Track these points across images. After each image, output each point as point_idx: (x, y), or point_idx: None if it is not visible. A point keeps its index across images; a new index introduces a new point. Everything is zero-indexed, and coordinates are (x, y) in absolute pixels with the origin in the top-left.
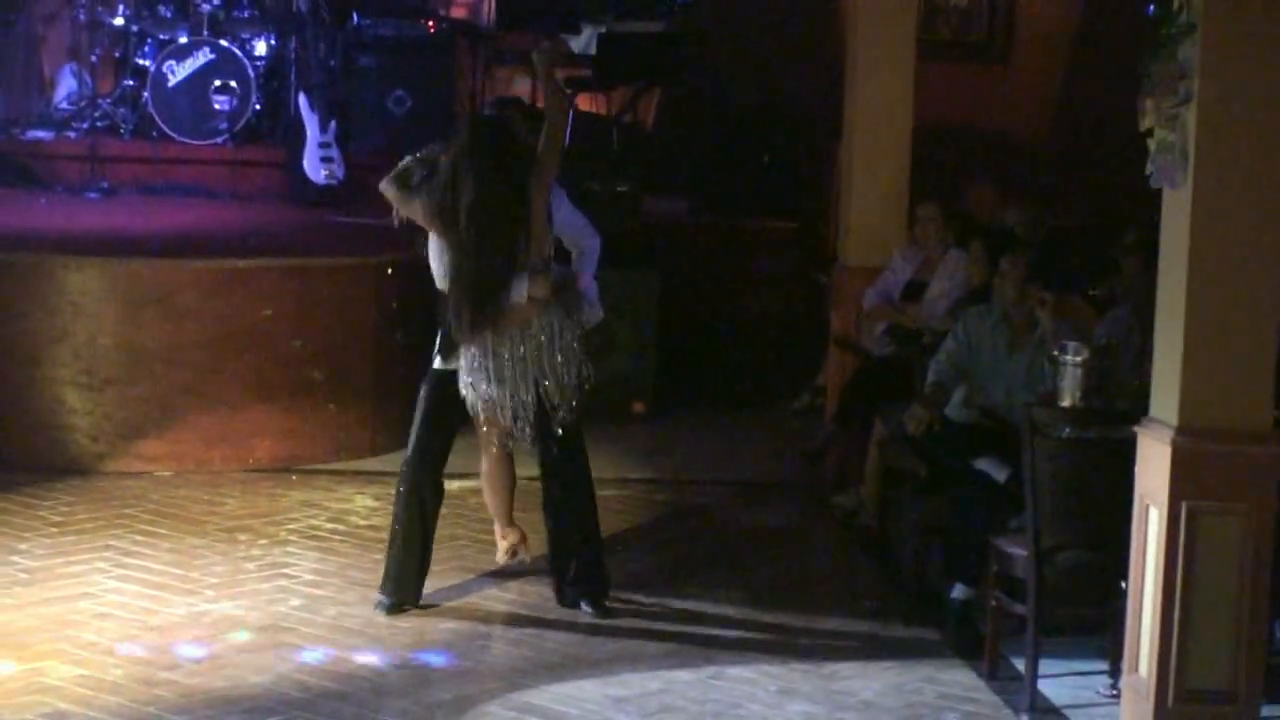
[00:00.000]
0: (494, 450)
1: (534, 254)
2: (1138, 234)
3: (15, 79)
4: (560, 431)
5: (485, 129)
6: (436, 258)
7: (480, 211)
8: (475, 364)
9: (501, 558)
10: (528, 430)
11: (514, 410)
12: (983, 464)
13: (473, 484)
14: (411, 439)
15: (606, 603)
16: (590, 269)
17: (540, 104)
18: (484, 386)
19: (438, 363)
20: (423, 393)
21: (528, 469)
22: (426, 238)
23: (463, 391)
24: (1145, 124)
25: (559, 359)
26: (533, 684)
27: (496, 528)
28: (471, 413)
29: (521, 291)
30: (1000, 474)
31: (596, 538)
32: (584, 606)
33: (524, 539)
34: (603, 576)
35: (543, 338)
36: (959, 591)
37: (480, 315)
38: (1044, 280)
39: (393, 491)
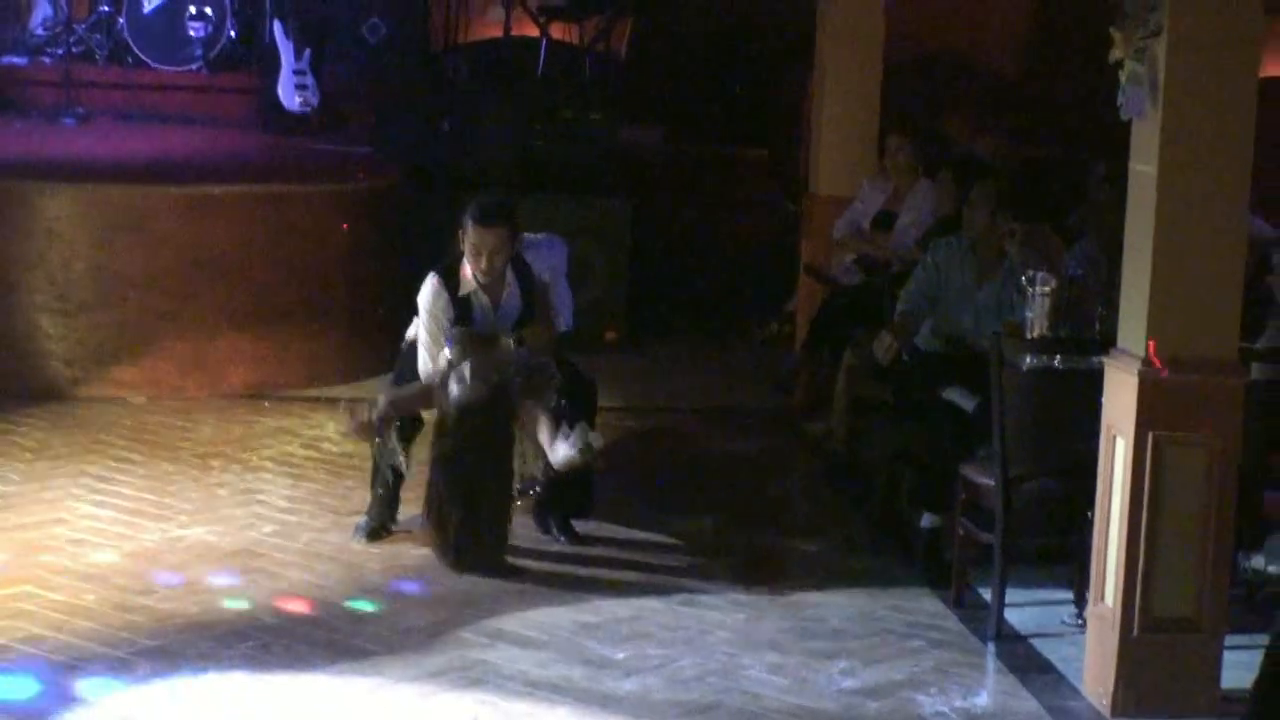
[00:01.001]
0: None
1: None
2: (1107, 166)
3: None
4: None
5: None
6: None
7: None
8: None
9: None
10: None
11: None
12: (951, 393)
13: None
14: (391, 378)
15: (575, 530)
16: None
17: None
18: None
19: (410, 335)
20: (402, 356)
21: None
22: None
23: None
24: (1115, 55)
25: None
26: (505, 611)
27: None
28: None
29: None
30: (968, 403)
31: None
32: (556, 534)
33: None
34: (575, 503)
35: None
36: (927, 520)
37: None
38: (1013, 210)
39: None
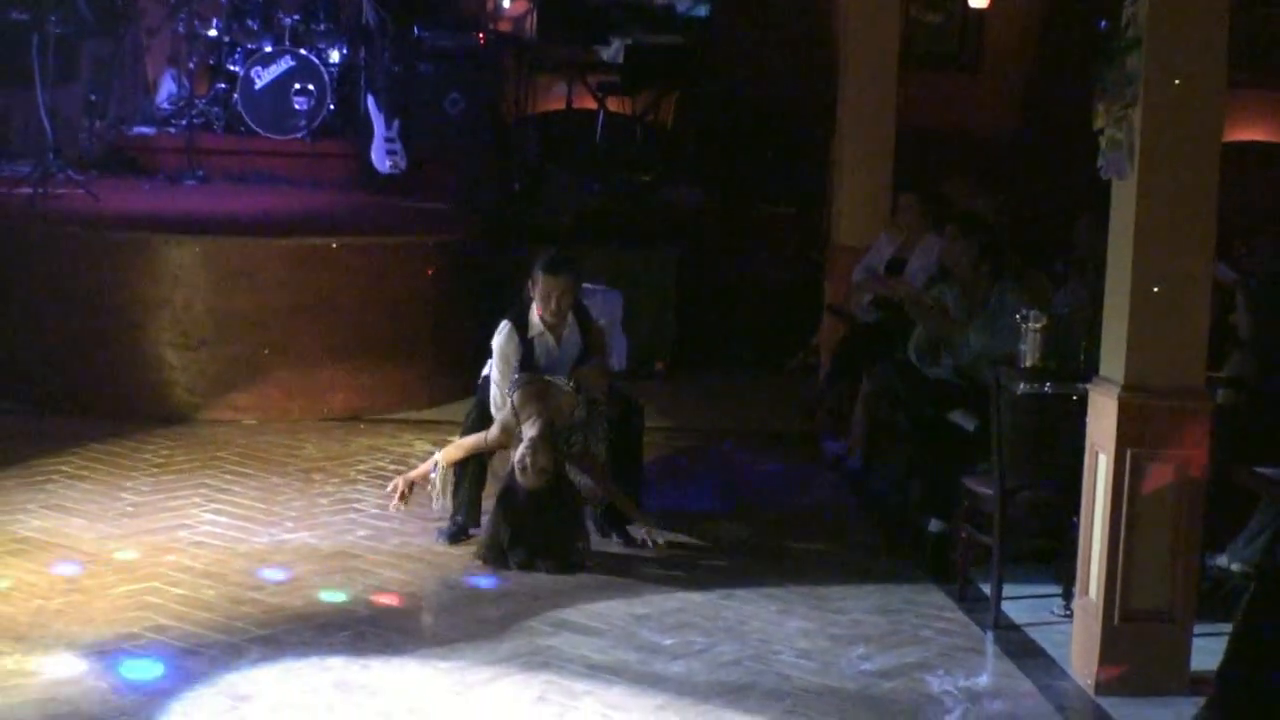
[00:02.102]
0: None
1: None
2: (1090, 218)
3: (124, 82)
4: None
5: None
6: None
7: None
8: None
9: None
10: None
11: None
12: (955, 416)
13: None
14: (473, 411)
15: (632, 534)
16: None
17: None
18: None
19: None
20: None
21: None
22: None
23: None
24: (1098, 124)
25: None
26: (568, 603)
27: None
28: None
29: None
30: (969, 424)
31: (636, 484)
32: (615, 537)
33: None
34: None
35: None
36: (934, 525)
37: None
38: (995, 258)
39: (448, 437)
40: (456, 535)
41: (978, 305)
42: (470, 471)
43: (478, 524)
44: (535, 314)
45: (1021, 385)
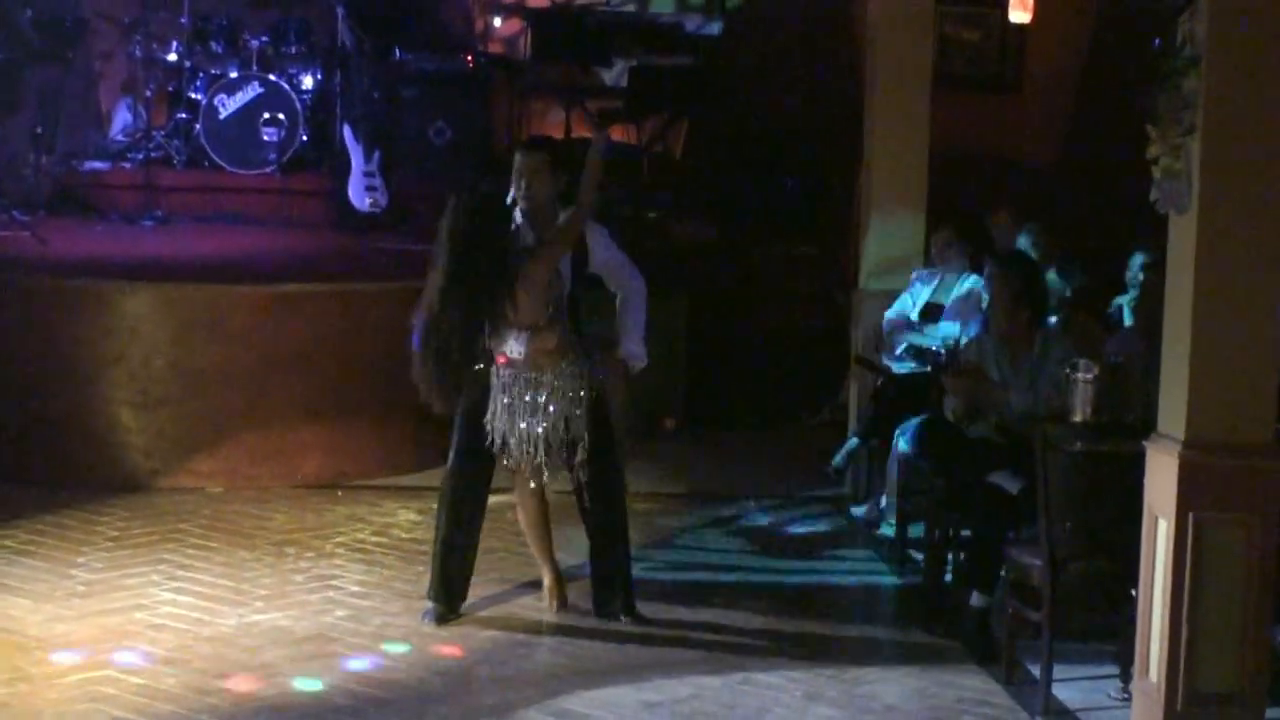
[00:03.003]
0: (525, 485)
1: (533, 314)
2: (1147, 255)
3: (74, 113)
4: (585, 457)
5: (462, 206)
6: None
7: (453, 284)
8: (494, 404)
9: (550, 604)
10: (543, 463)
11: (527, 447)
12: (997, 477)
13: (509, 498)
14: (451, 454)
15: (638, 611)
16: (636, 316)
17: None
18: (500, 423)
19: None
20: (460, 408)
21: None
22: None
23: (486, 428)
24: (1152, 153)
25: (568, 406)
26: (569, 690)
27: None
28: (495, 450)
29: (518, 349)
30: (1014, 486)
31: (626, 551)
32: (622, 617)
33: (560, 587)
34: (630, 587)
35: (557, 382)
36: (976, 599)
37: (441, 380)
38: (1036, 302)
39: (434, 505)
40: (443, 616)
41: (1020, 356)
42: (458, 545)
43: (463, 600)
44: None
45: (1077, 443)
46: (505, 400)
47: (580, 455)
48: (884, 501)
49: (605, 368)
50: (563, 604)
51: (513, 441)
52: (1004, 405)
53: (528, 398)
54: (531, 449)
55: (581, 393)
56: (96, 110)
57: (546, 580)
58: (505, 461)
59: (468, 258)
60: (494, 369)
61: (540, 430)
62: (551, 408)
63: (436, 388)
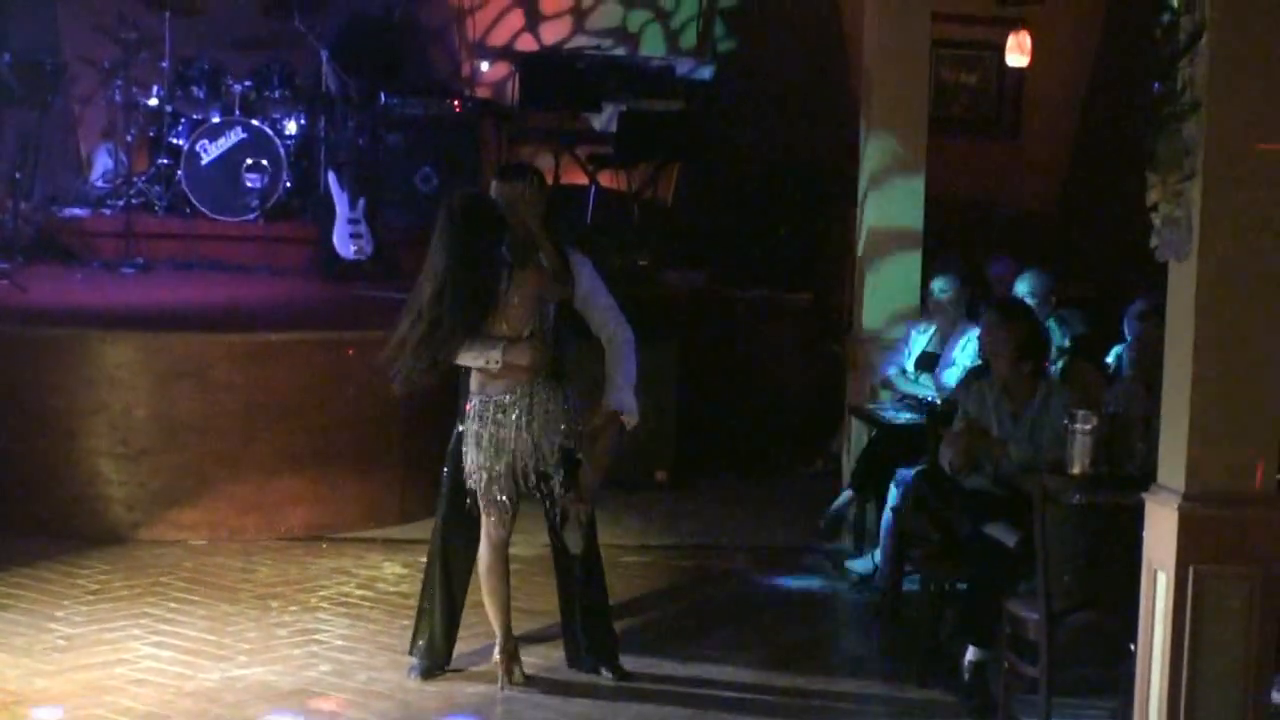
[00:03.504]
0: (490, 533)
1: (515, 325)
2: (1145, 303)
3: (53, 158)
4: (559, 493)
5: (458, 205)
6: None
7: (443, 280)
8: (469, 432)
9: (501, 680)
10: (509, 498)
11: (496, 477)
12: (993, 529)
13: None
14: (440, 506)
15: (621, 665)
16: (627, 367)
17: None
18: (474, 454)
19: (460, 428)
20: (449, 460)
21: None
22: None
23: (463, 462)
24: (1152, 199)
25: (539, 430)
26: None
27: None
28: (468, 485)
29: (495, 357)
30: (1010, 539)
31: (604, 603)
32: (602, 671)
33: (515, 661)
34: (613, 641)
35: (527, 401)
36: (972, 654)
37: (413, 373)
38: (1038, 354)
39: (421, 559)
40: (429, 671)
41: (1021, 407)
42: (445, 599)
43: (447, 657)
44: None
45: (1075, 496)
46: (476, 428)
47: (554, 489)
48: (878, 555)
49: (590, 416)
50: (510, 675)
51: (481, 476)
52: (1002, 458)
53: (499, 419)
54: (500, 479)
55: (560, 424)
56: (76, 155)
57: (500, 646)
58: (475, 500)
59: (468, 257)
60: (468, 404)
61: (509, 454)
62: (523, 430)
63: (411, 368)
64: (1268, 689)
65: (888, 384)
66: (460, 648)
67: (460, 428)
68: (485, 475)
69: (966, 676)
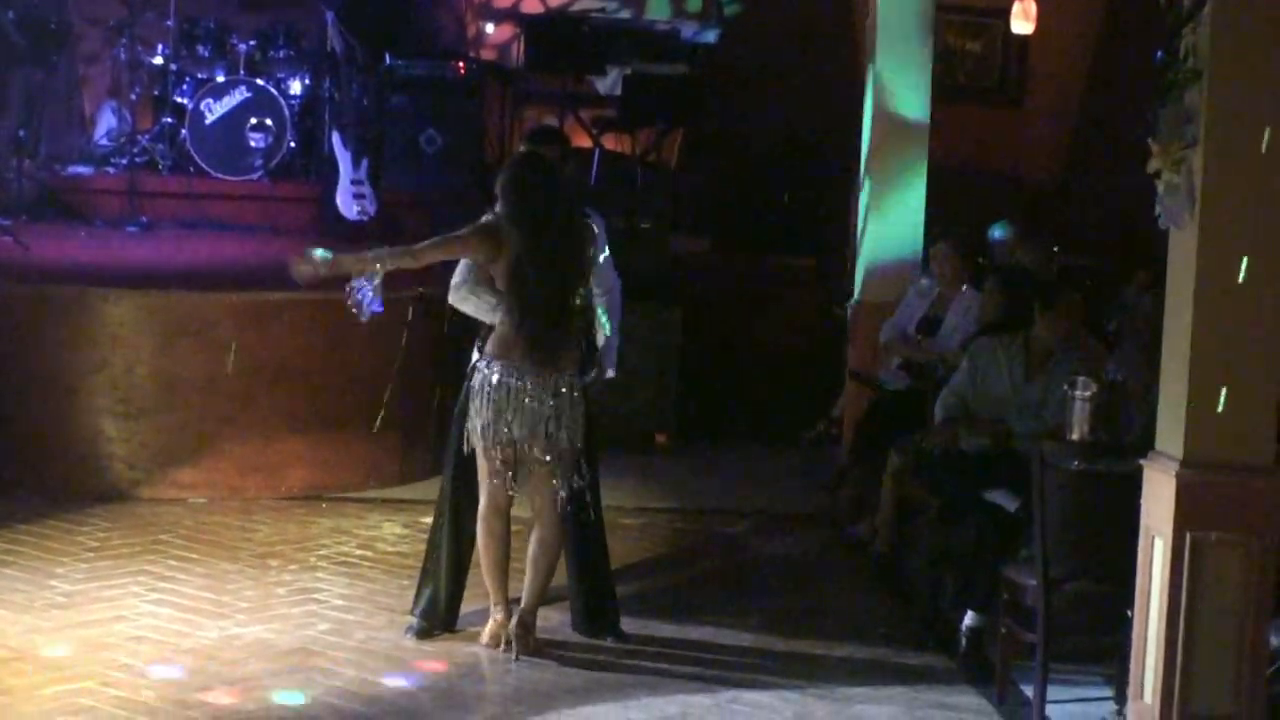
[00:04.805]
0: (493, 497)
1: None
2: (1144, 274)
3: (57, 116)
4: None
5: (530, 165)
6: (474, 290)
7: (534, 249)
8: (484, 391)
9: (484, 639)
10: (503, 463)
11: (505, 440)
12: (994, 495)
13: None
14: (448, 464)
15: (622, 630)
16: (615, 319)
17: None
18: (477, 407)
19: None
20: (457, 418)
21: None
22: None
23: (469, 421)
24: (1154, 166)
25: (563, 401)
26: (555, 707)
27: (491, 602)
28: (469, 443)
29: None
30: (1011, 504)
31: (606, 567)
32: (605, 636)
33: (506, 626)
34: (614, 605)
35: (559, 376)
36: (970, 619)
37: (543, 339)
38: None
39: (421, 519)
40: (427, 631)
41: (1039, 363)
42: (451, 560)
43: (452, 621)
44: None
45: (1074, 462)
46: (491, 391)
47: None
48: (877, 519)
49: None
50: (498, 645)
51: (489, 436)
52: (1001, 431)
53: (518, 383)
54: (515, 439)
55: (575, 392)
56: (80, 114)
57: (495, 617)
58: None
59: (547, 222)
60: (480, 362)
61: (529, 421)
62: (549, 399)
63: (537, 342)
64: (1264, 655)
65: (889, 348)
66: (465, 607)
67: (469, 382)
68: (490, 430)
69: (964, 642)
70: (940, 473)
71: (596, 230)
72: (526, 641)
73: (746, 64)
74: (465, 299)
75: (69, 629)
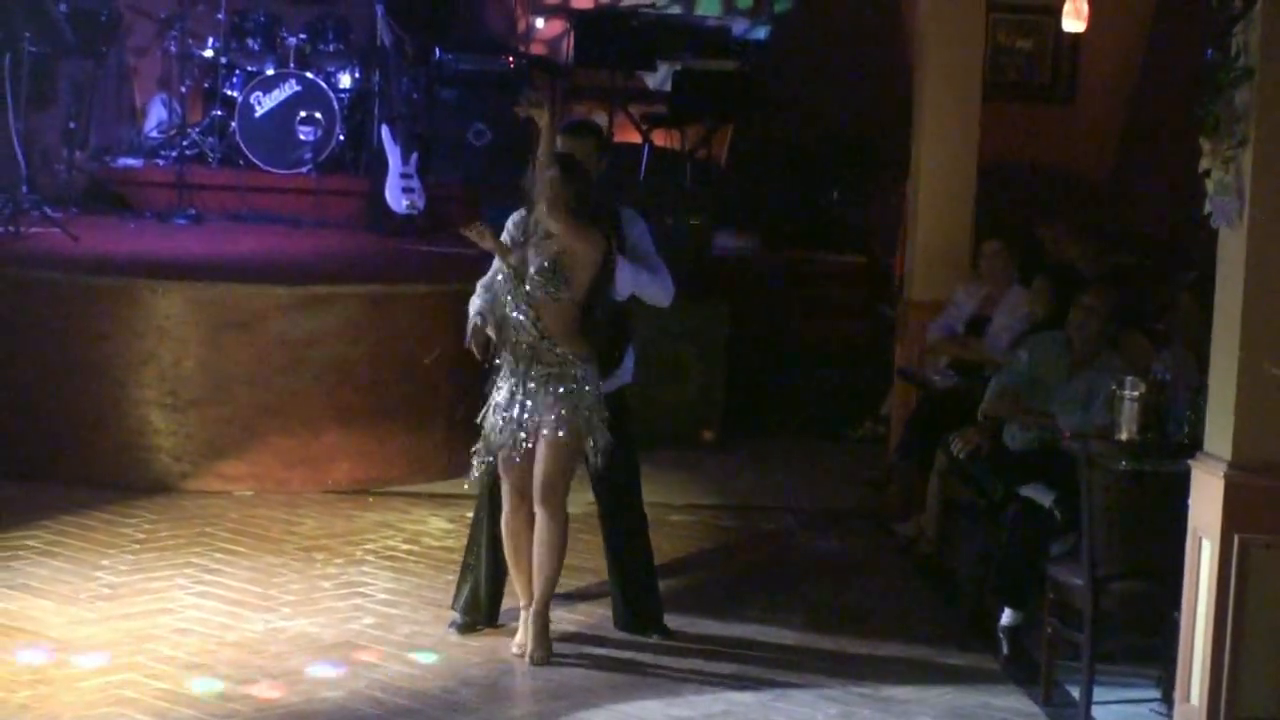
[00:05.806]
0: (514, 493)
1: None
2: (1197, 272)
3: (107, 108)
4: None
5: (569, 168)
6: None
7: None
8: (508, 388)
9: (514, 645)
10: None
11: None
12: (1029, 489)
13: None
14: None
15: (666, 625)
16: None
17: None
18: (506, 409)
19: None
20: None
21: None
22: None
23: (490, 419)
24: (1204, 165)
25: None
26: (598, 704)
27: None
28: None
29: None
30: (1046, 498)
31: (650, 563)
32: (649, 632)
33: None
34: (657, 602)
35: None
36: (1008, 617)
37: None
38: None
39: (466, 514)
40: (470, 626)
41: (1083, 360)
42: (487, 553)
43: (494, 616)
44: None
45: (1122, 462)
46: (512, 387)
47: (593, 453)
48: (923, 518)
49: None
50: (522, 650)
51: (509, 430)
52: (1048, 424)
53: (533, 374)
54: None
55: (587, 387)
56: (130, 106)
57: (524, 618)
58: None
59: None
60: (501, 358)
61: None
62: (559, 386)
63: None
64: None
65: (937, 347)
66: (508, 603)
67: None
68: (513, 429)
69: (1003, 641)
70: (977, 468)
71: (625, 232)
72: (534, 654)
73: (796, 61)
74: (472, 300)
75: (113, 620)
